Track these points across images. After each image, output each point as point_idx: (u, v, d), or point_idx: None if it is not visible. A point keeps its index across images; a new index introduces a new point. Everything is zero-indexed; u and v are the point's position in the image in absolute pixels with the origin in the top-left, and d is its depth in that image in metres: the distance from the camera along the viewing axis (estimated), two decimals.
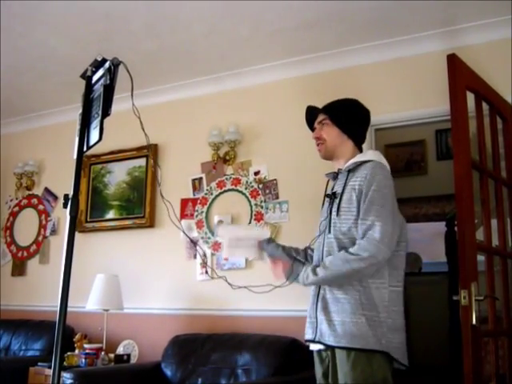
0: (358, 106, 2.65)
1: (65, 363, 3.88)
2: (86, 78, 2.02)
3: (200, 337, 3.83)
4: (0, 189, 5.46)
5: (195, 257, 4.23)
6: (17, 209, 5.35)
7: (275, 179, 4.07)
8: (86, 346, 4.00)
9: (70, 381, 3.26)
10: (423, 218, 5.89)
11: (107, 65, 1.94)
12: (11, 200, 5.41)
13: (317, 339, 2.39)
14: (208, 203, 4.31)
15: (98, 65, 1.99)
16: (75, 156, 1.91)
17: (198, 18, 3.58)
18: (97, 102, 1.94)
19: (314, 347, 2.49)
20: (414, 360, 4.44)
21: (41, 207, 5.20)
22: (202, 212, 4.31)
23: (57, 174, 5.07)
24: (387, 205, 2.33)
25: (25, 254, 5.17)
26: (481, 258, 2.87)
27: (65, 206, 1.86)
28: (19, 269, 5.16)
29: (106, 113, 1.89)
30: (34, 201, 5.26)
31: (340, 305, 2.34)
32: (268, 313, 3.80)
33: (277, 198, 4.05)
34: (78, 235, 4.62)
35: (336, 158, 2.61)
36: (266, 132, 4.20)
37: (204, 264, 4.17)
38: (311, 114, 2.71)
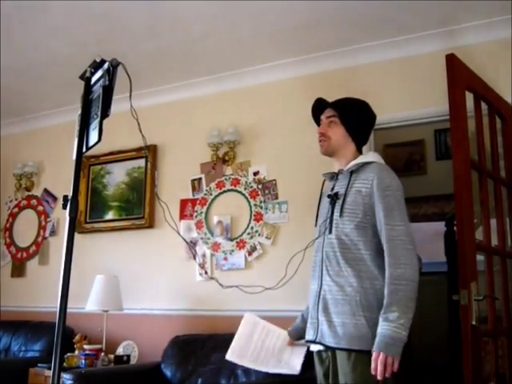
0: (368, 109, 2.65)
1: (65, 364, 3.89)
2: (85, 79, 2.01)
3: (200, 337, 3.83)
4: None
5: (195, 257, 4.24)
6: (16, 210, 5.35)
7: (274, 179, 4.08)
8: (85, 346, 4.01)
9: (69, 382, 3.26)
10: (423, 217, 5.88)
11: (106, 66, 1.94)
12: (10, 201, 5.41)
13: (317, 340, 2.40)
14: (207, 204, 4.31)
15: (96, 66, 1.99)
16: (74, 157, 1.91)
17: (197, 19, 3.58)
18: (96, 102, 1.94)
19: (314, 348, 2.50)
20: (413, 360, 4.46)
21: (40, 208, 5.20)
22: (202, 212, 4.31)
23: (56, 175, 5.07)
24: (403, 207, 2.37)
25: (24, 254, 5.17)
26: (480, 257, 2.88)
27: (64, 207, 1.86)
28: (19, 270, 5.16)
29: (105, 114, 1.89)
30: (34, 202, 5.26)
31: (340, 306, 2.34)
32: (268, 313, 3.77)
33: (276, 198, 4.05)
34: (77, 236, 4.64)
35: (337, 157, 2.60)
36: (265, 132, 4.20)
37: (203, 264, 4.17)
38: (319, 107, 2.68)
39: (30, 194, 5.30)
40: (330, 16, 3.51)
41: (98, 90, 1.96)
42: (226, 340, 3.65)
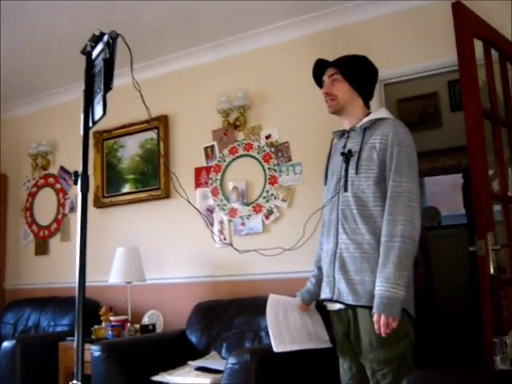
0: (368, 62, 2.63)
1: (92, 336, 3.98)
2: (86, 53, 2.01)
3: (222, 303, 3.89)
4: (16, 170, 5.52)
5: (212, 224, 4.26)
6: (34, 189, 5.41)
7: (287, 142, 4.06)
8: (111, 318, 4.08)
9: (98, 353, 3.33)
10: (440, 170, 5.83)
11: (105, 39, 1.93)
12: (28, 181, 5.47)
13: (335, 298, 2.40)
14: (222, 170, 4.31)
15: (96, 39, 1.98)
16: (81, 132, 1.92)
17: None
18: (98, 76, 1.94)
19: (331, 307, 2.51)
20: (436, 311, 4.48)
21: (58, 186, 5.25)
22: (217, 180, 4.32)
23: (71, 152, 5.10)
24: (414, 164, 2.36)
25: (46, 232, 5.24)
26: (497, 208, 2.86)
27: (75, 182, 1.89)
28: (42, 248, 5.24)
29: (108, 87, 1.89)
30: (51, 180, 5.31)
31: (358, 263, 2.34)
32: (287, 275, 3.83)
33: (289, 160, 4.04)
34: (96, 211, 4.75)
35: (346, 114, 2.59)
36: (274, 95, 4.17)
37: (222, 230, 4.20)
38: (320, 68, 2.67)
39: (46, 172, 5.35)
40: None
41: (99, 63, 1.96)
42: (247, 304, 3.72)
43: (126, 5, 3.72)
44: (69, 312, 4.53)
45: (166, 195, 4.50)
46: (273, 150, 4.11)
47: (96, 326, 4.07)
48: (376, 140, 2.40)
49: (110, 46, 1.91)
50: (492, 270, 2.55)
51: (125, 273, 4.16)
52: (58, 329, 4.51)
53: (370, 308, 2.27)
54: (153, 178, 4.62)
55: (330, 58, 2.68)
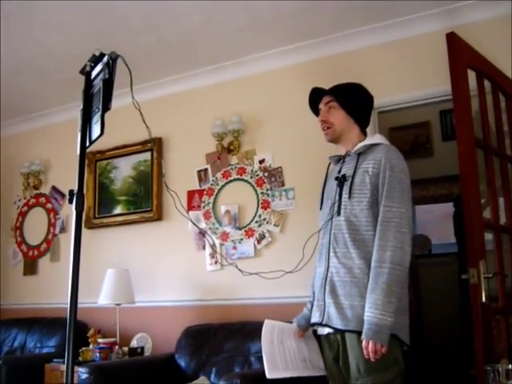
0: (363, 89, 2.66)
1: (80, 358, 3.93)
2: (85, 73, 2.02)
3: (212, 327, 3.86)
4: (7, 189, 5.50)
5: (204, 247, 4.25)
6: (25, 208, 5.39)
7: (280, 167, 4.08)
8: (99, 340, 4.05)
9: (85, 375, 3.30)
10: (431, 199, 5.87)
11: (105, 59, 1.94)
12: (19, 200, 5.45)
13: (324, 322, 2.40)
14: (214, 194, 4.32)
15: (96, 60, 2.00)
16: (78, 151, 1.92)
17: (195, 9, 3.56)
18: (97, 96, 1.95)
19: (321, 331, 2.50)
20: (425, 340, 4.47)
21: (49, 206, 5.23)
22: (209, 203, 4.32)
23: (63, 172, 5.09)
24: (406, 189, 2.37)
25: (35, 252, 5.21)
26: (489, 237, 2.87)
27: (70, 201, 1.88)
28: (31, 268, 5.20)
29: (106, 107, 1.90)
30: (42, 200, 5.29)
31: (348, 288, 2.34)
32: (278, 300, 3.82)
33: (283, 185, 4.05)
34: (86, 232, 4.72)
35: (343, 141, 2.60)
36: (269, 120, 4.20)
37: (214, 253, 4.19)
38: (316, 96, 2.69)
39: (38, 192, 5.33)
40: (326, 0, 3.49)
41: (98, 83, 1.97)
42: (237, 329, 3.70)
43: (123, 27, 3.76)
44: (56, 333, 4.48)
45: (158, 217, 4.49)
46: (266, 174, 4.12)
47: (84, 348, 4.02)
48: (369, 165, 2.42)
49: (110, 67, 1.93)
50: (484, 299, 2.55)
51: (114, 295, 4.14)
52: (45, 350, 4.45)
53: (358, 333, 2.26)
54: (145, 199, 4.62)
55: (324, 85, 2.71)
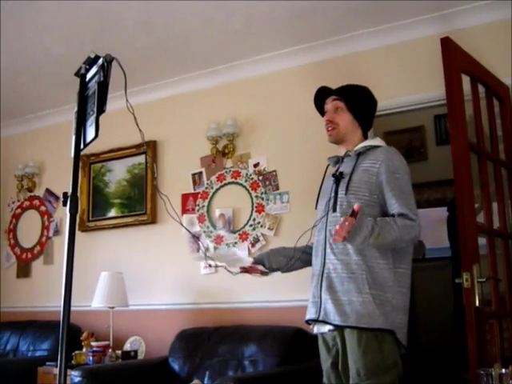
0: (370, 93, 2.64)
1: (73, 362, 3.92)
2: (80, 75, 2.02)
3: (206, 330, 3.86)
4: (1, 191, 5.47)
5: (198, 251, 4.25)
6: (19, 211, 5.37)
7: (275, 170, 4.08)
8: (93, 343, 4.04)
9: (78, 378, 3.29)
10: (425, 203, 5.86)
11: (100, 62, 1.93)
12: (13, 202, 5.43)
13: (320, 318, 2.37)
14: (209, 197, 4.31)
15: (91, 62, 1.99)
16: (72, 154, 1.92)
17: (190, 12, 3.57)
18: (91, 99, 1.95)
19: (317, 329, 2.46)
20: (419, 343, 4.47)
21: (43, 208, 5.21)
22: (204, 206, 4.32)
23: (57, 175, 5.08)
24: (411, 190, 2.41)
25: (29, 255, 5.19)
26: (482, 242, 2.87)
27: (64, 204, 1.87)
28: (24, 270, 5.18)
29: (101, 109, 1.89)
30: (36, 202, 5.28)
31: (346, 284, 2.32)
32: (272, 304, 3.82)
33: (277, 189, 4.05)
34: (80, 234, 4.70)
35: (345, 143, 2.58)
36: (264, 124, 4.20)
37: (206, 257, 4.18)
38: (322, 95, 2.65)
39: (32, 194, 5.32)
40: (323, 4, 3.49)
41: (93, 86, 1.96)
42: (231, 332, 3.70)
43: (119, 30, 3.76)
44: (49, 336, 4.46)
45: (152, 220, 4.49)
46: (261, 178, 4.12)
47: (77, 352, 4.01)
48: (370, 164, 2.42)
49: (105, 69, 1.92)
50: (477, 303, 2.56)
51: (108, 298, 4.12)
52: (38, 353, 4.43)
53: (357, 329, 2.25)
54: (139, 202, 4.61)
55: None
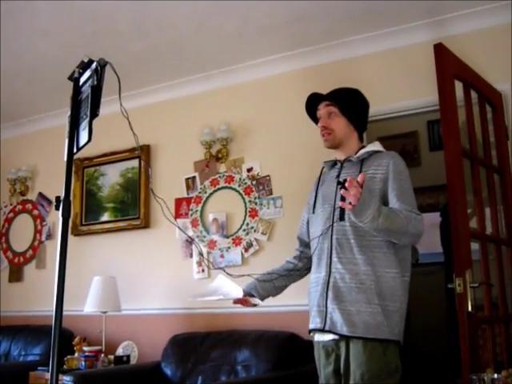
0: (362, 96, 2.63)
1: (65, 366, 3.90)
2: (74, 79, 2.02)
3: (198, 335, 3.85)
4: None
5: (191, 256, 4.25)
6: (11, 215, 5.35)
7: (268, 175, 4.08)
8: (85, 348, 4.01)
9: (70, 383, 3.26)
10: (418, 209, 5.89)
11: (94, 66, 1.93)
12: (5, 206, 5.41)
13: (327, 328, 2.33)
14: (202, 202, 4.31)
15: (84, 66, 1.99)
16: (65, 158, 1.91)
17: (184, 17, 3.58)
18: (85, 103, 1.94)
19: (320, 337, 2.42)
20: (413, 348, 4.47)
21: (35, 212, 5.20)
22: (197, 211, 4.31)
23: (50, 179, 5.06)
24: (413, 193, 2.42)
25: (21, 259, 5.17)
26: (475, 247, 2.88)
27: (57, 208, 1.86)
28: (16, 275, 5.16)
29: (94, 113, 1.89)
30: (29, 206, 5.26)
31: (354, 294, 2.29)
32: (265, 309, 3.77)
33: (270, 194, 4.06)
34: (73, 239, 4.69)
35: (342, 148, 2.56)
36: (257, 129, 4.21)
37: (201, 261, 4.18)
38: (313, 101, 2.62)
39: (24, 198, 5.30)
40: (316, 10, 3.51)
41: (86, 90, 1.96)
42: (224, 337, 3.69)
43: (113, 34, 3.76)
44: (41, 341, 4.44)
45: (146, 225, 4.48)
46: (254, 183, 4.13)
47: (69, 356, 3.99)
48: (376, 170, 2.41)
49: (98, 73, 1.92)
50: (470, 308, 2.56)
51: (100, 302, 4.11)
52: (30, 358, 4.41)
53: (364, 339, 2.23)
54: (132, 207, 4.61)
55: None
